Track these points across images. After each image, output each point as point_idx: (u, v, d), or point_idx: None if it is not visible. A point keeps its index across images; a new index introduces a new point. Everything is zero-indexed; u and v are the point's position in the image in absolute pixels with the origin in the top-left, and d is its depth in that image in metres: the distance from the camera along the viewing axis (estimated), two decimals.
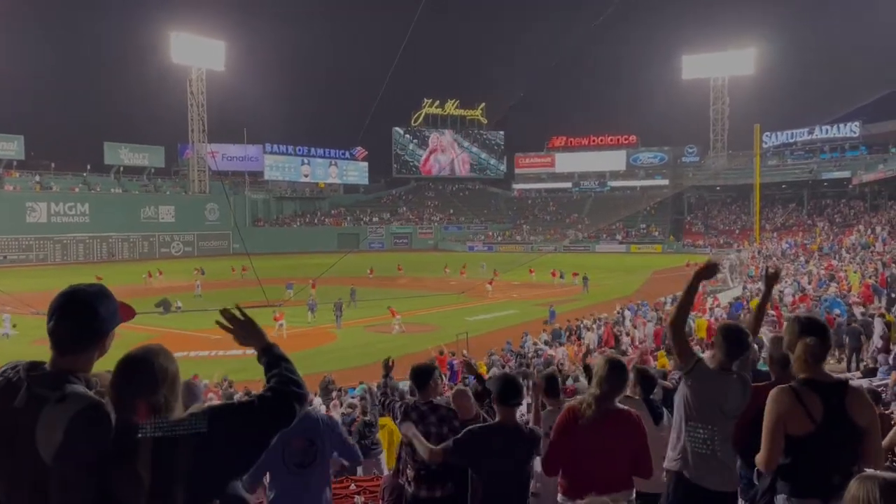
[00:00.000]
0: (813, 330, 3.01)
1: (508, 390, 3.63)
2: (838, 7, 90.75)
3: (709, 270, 3.52)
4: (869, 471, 2.05)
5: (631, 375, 4.06)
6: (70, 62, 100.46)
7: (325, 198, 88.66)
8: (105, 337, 2.08)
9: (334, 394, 15.89)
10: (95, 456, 1.83)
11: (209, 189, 76.52)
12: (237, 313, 2.25)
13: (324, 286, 34.84)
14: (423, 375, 4.67)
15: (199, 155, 75.47)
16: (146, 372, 1.94)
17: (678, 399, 3.49)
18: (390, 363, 5.10)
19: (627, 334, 23.12)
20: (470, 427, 3.68)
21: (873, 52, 79.81)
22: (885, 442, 3.32)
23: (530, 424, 4.02)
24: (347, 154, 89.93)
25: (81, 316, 2.01)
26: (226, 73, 77.30)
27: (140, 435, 1.85)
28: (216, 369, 17.97)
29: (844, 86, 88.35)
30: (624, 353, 18.56)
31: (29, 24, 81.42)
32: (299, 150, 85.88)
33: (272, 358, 2.20)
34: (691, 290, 3.50)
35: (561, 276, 44.39)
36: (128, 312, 2.25)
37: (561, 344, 21.86)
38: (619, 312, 27.24)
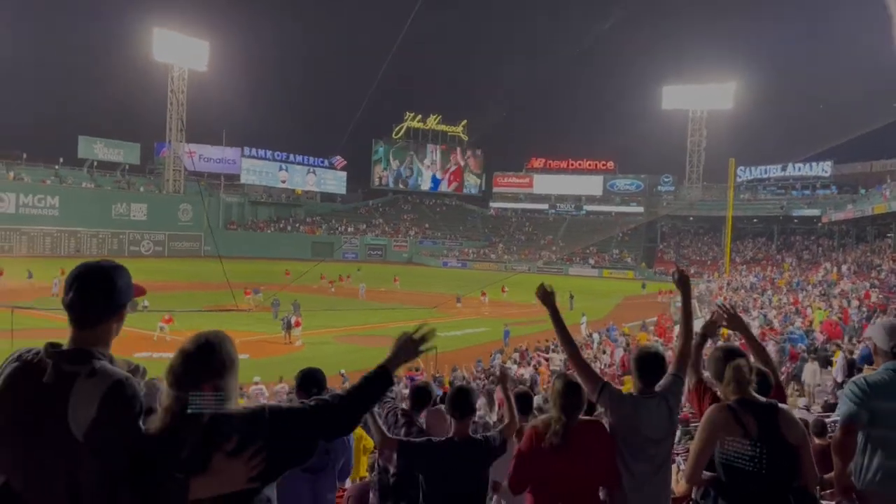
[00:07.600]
0: (736, 354, 3.19)
1: (458, 402, 3.57)
2: (816, 49, 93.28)
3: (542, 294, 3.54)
4: None
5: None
6: (46, 52, 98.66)
7: (301, 205, 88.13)
8: (122, 308, 2.09)
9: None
10: (130, 430, 1.88)
11: (183, 189, 75.56)
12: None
13: (299, 294, 34.65)
14: (423, 395, 4.52)
15: (175, 154, 74.49)
16: (216, 355, 2.01)
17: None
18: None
19: (595, 358, 23.19)
20: (430, 437, 3.65)
21: (848, 94, 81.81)
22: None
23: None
24: (326, 162, 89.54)
25: (100, 285, 2.02)
26: (208, 74, 76.44)
27: (204, 417, 1.93)
28: None
29: (818, 125, 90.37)
30: None
31: (6, 9, 79.28)
32: (278, 155, 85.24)
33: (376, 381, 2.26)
34: (555, 316, 3.54)
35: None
36: (139, 289, 2.25)
37: (529, 363, 21.88)
38: (588, 336, 27.38)
